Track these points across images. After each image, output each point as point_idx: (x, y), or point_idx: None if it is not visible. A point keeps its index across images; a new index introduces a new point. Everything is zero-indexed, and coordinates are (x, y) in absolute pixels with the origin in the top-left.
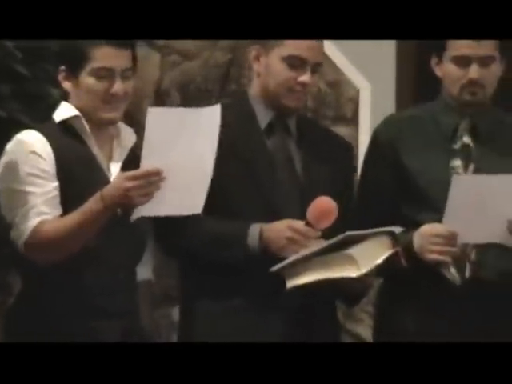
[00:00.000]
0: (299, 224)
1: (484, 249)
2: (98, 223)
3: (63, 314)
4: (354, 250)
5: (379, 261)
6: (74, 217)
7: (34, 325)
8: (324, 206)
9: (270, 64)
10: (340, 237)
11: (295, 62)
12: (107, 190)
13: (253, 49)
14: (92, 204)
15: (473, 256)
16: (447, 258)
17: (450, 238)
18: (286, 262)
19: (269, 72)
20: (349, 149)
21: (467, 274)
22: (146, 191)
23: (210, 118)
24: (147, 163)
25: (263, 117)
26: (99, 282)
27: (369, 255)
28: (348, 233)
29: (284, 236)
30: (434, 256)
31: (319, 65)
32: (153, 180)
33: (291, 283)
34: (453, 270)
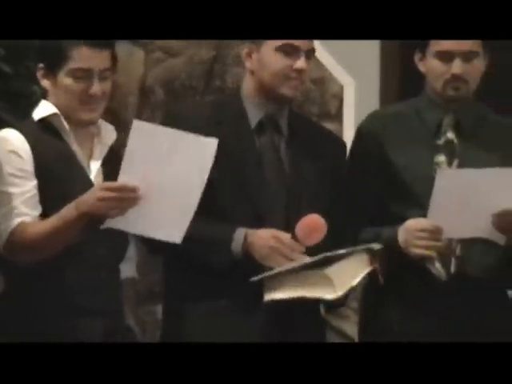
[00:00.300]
0: (285, 236)
1: (469, 243)
2: (73, 229)
3: (45, 312)
4: (331, 270)
5: (356, 281)
6: (52, 221)
7: (16, 324)
8: (313, 223)
9: (264, 57)
10: (320, 256)
11: (289, 50)
12: (82, 198)
13: (244, 47)
14: (67, 210)
15: (458, 251)
16: (432, 253)
17: (435, 233)
18: (265, 274)
19: (263, 65)
20: (342, 146)
21: (452, 269)
22: (119, 205)
23: (205, 148)
24: (125, 177)
25: (254, 116)
26: (81, 280)
27: (346, 275)
28: (328, 254)
29: (268, 245)
30: (419, 251)
31: (312, 51)
32: (128, 196)
33: (269, 296)
34: (438, 265)
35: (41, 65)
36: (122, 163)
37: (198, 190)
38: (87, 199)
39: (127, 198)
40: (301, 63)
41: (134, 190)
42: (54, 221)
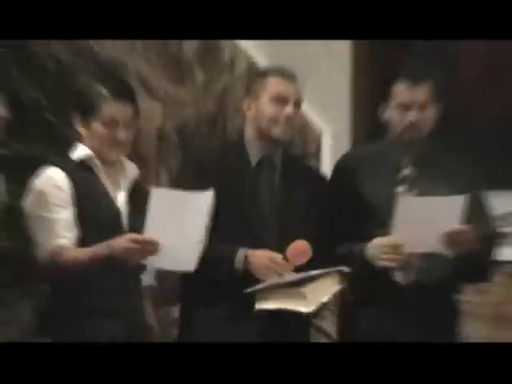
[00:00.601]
0: (278, 257)
1: (424, 256)
2: (101, 263)
3: (80, 314)
4: (306, 288)
5: (326, 298)
6: (86, 252)
7: (59, 324)
8: (301, 248)
9: (260, 107)
10: (298, 276)
11: (280, 100)
12: (113, 241)
13: (245, 102)
14: (101, 247)
15: (415, 262)
16: (394, 264)
17: (397, 248)
18: (257, 287)
19: (260, 113)
20: (323, 180)
21: (411, 277)
22: (141, 255)
23: (203, 200)
24: (148, 233)
25: (254, 157)
26: (112, 286)
27: (318, 292)
28: (305, 274)
29: (264, 264)
30: (384, 263)
31: (300, 101)
32: (149, 249)
33: (259, 306)
34: (399, 274)
35: (78, 115)
36: (146, 222)
37: (203, 229)
38: (117, 245)
39: (149, 251)
40: (289, 110)
41: (155, 244)
42: (87, 252)
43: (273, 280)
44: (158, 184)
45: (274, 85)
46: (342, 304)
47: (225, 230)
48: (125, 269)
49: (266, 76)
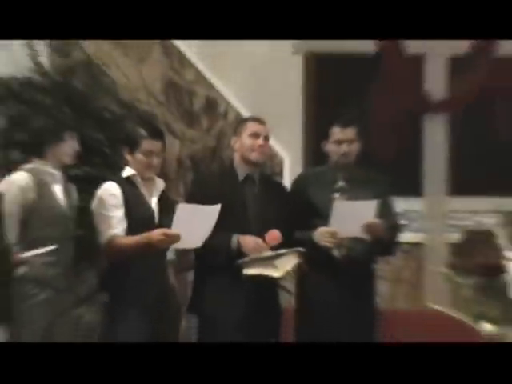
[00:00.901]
0: (259, 241)
1: (352, 239)
2: (141, 248)
3: (127, 279)
4: (277, 261)
5: (290, 267)
6: (132, 239)
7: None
8: (274, 235)
9: (242, 141)
10: (273, 253)
11: (254, 136)
12: (151, 233)
13: (233, 139)
14: (142, 237)
15: (346, 243)
16: (332, 245)
17: (333, 234)
18: (245, 259)
19: (242, 145)
20: (286, 191)
21: (343, 253)
22: (169, 243)
23: (213, 210)
24: (175, 230)
25: (241, 175)
26: (149, 260)
27: (284, 264)
28: (276, 251)
29: (250, 245)
30: (325, 244)
31: (268, 137)
32: (174, 239)
33: (245, 272)
34: (335, 251)
35: (126, 148)
36: (173, 222)
37: (210, 226)
38: (153, 236)
39: (174, 241)
40: (261, 142)
41: (177, 236)
42: (133, 239)
43: (255, 255)
44: (177, 193)
45: (250, 126)
46: (299, 271)
47: (223, 223)
48: (156, 250)
49: (246, 121)
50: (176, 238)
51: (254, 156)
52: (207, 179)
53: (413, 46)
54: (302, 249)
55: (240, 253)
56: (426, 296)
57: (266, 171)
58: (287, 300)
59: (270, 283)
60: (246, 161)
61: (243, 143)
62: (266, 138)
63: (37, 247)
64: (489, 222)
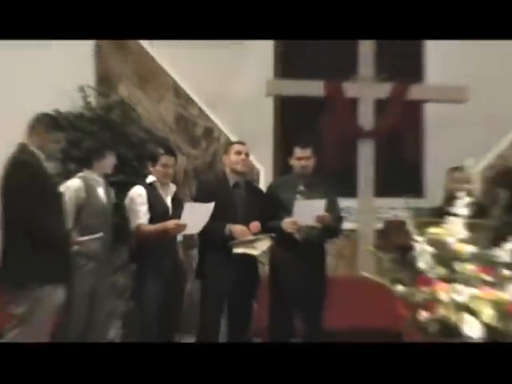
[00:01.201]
0: (245, 228)
1: (309, 227)
2: (159, 234)
3: (150, 253)
4: (256, 244)
5: (265, 248)
6: (153, 227)
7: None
8: (255, 225)
9: (230, 157)
10: (254, 237)
11: (238, 153)
12: (167, 223)
13: (224, 156)
14: (160, 225)
15: (304, 229)
16: (294, 231)
17: (295, 223)
18: (234, 241)
19: (230, 160)
20: (263, 194)
21: (303, 236)
22: (179, 230)
23: (209, 207)
24: (183, 221)
25: (231, 181)
26: (165, 241)
27: (261, 245)
28: (256, 236)
29: (238, 232)
30: (290, 230)
31: (248, 154)
32: (183, 228)
33: (235, 251)
34: (297, 235)
35: (149, 162)
36: (182, 215)
37: (207, 218)
38: (167, 225)
39: (182, 229)
40: (243, 157)
41: (184, 226)
42: (154, 227)
43: (241, 239)
44: (184, 194)
45: (235, 147)
46: (271, 250)
47: (219, 216)
48: (170, 235)
49: (233, 144)
50: (184, 227)
51: (239, 167)
52: (206, 185)
53: (350, 91)
54: (273, 234)
55: (231, 237)
56: (359, 267)
57: (248, 179)
58: (263, 270)
59: (251, 258)
60: (234, 171)
61: (231, 159)
62: (247, 155)
63: (86, 232)
64: (402, 215)
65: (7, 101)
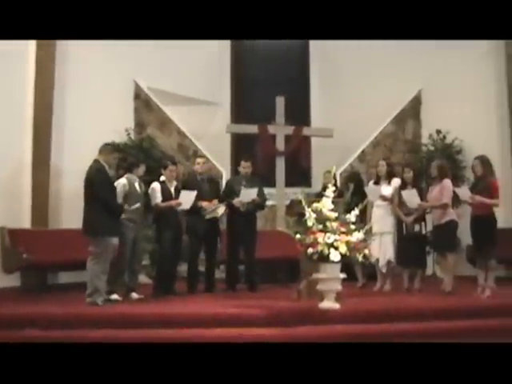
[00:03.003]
0: (208, 202)
1: (248, 203)
2: (169, 207)
3: (164, 223)
4: (218, 210)
5: (223, 211)
6: (164, 204)
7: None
8: (214, 202)
9: (195, 165)
10: (216, 206)
11: (200, 161)
12: (172, 202)
13: (195, 165)
14: (168, 203)
15: (245, 205)
16: (240, 205)
17: (241, 201)
18: (205, 211)
19: (195, 166)
20: (219, 184)
21: (244, 208)
22: (177, 206)
23: (193, 193)
24: (179, 201)
25: (198, 178)
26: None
27: (220, 210)
28: (218, 204)
29: (206, 205)
30: (237, 205)
31: (208, 160)
32: (179, 205)
33: (206, 216)
34: (241, 207)
35: (162, 169)
36: (180, 198)
37: (193, 199)
38: (172, 203)
39: (179, 205)
40: (200, 160)
41: (180, 203)
42: (164, 204)
43: (210, 209)
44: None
45: (199, 159)
46: (227, 214)
47: (196, 198)
48: (174, 208)
49: (196, 157)
50: (180, 204)
51: (200, 170)
52: (190, 180)
53: (271, 130)
54: (226, 203)
55: (201, 208)
56: (277, 225)
57: (212, 176)
58: (222, 227)
59: (215, 219)
60: (198, 173)
61: (195, 166)
62: (204, 163)
63: (130, 207)
64: (299, 196)
65: (88, 135)
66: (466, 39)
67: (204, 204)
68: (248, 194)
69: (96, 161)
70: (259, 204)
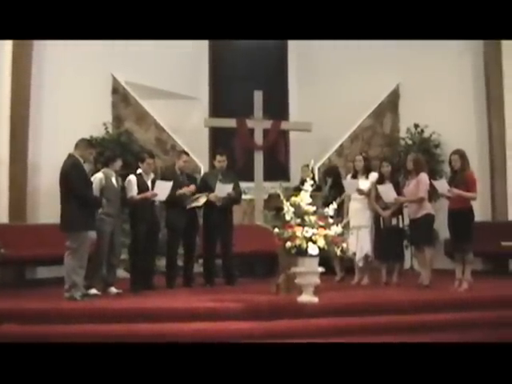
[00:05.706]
0: (212, 195)
1: (223, 198)
2: (145, 199)
3: (146, 214)
4: (199, 199)
5: (203, 201)
6: (140, 196)
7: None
8: (192, 187)
9: (179, 162)
10: (200, 195)
11: (184, 158)
12: (148, 193)
13: (176, 161)
14: (144, 195)
15: (221, 199)
16: (216, 200)
17: (216, 196)
18: (187, 201)
19: (178, 163)
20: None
21: (220, 202)
22: (153, 197)
23: (169, 184)
24: (155, 192)
25: (180, 174)
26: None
27: (202, 200)
28: (202, 194)
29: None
30: (213, 199)
31: (191, 157)
32: (155, 195)
33: (188, 207)
34: (217, 202)
35: (140, 162)
36: (155, 188)
37: (168, 190)
38: (147, 195)
39: (155, 196)
40: (186, 158)
41: (156, 194)
42: (140, 196)
43: (192, 198)
44: (157, 178)
45: (182, 155)
46: (204, 211)
47: (173, 189)
48: (149, 200)
49: (180, 153)
50: (156, 195)
51: (183, 167)
52: (168, 174)
53: (249, 124)
54: (207, 194)
55: (185, 196)
56: (255, 219)
57: (192, 173)
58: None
59: (194, 214)
60: (181, 170)
61: (179, 162)
62: (188, 160)
63: (106, 201)
64: (278, 190)
65: (66, 130)
66: (442, 39)
67: (184, 190)
68: (223, 189)
69: (71, 155)
70: (235, 198)
